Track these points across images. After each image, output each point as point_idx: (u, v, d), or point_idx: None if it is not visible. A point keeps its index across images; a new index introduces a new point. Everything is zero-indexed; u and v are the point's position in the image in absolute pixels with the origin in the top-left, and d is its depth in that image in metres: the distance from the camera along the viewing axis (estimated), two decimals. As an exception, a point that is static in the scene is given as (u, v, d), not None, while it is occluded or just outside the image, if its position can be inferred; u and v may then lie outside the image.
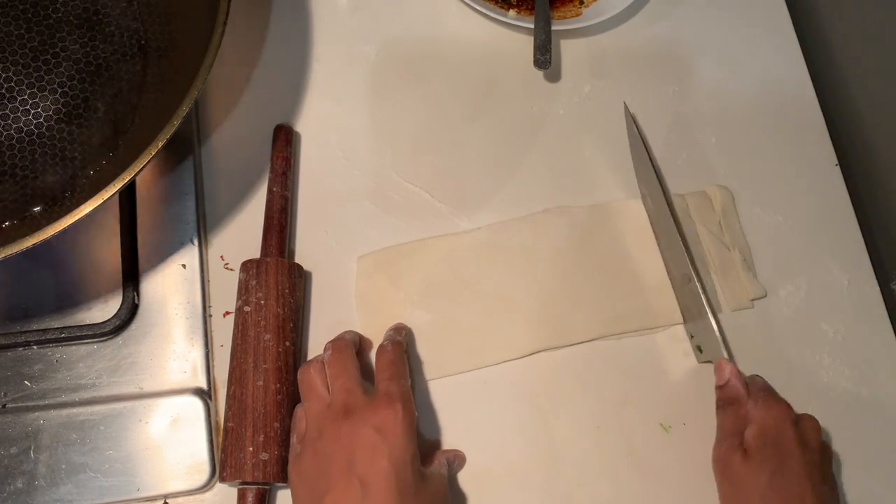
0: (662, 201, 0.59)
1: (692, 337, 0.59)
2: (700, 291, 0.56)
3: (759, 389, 0.54)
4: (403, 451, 0.45)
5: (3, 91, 0.54)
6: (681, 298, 0.59)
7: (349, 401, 0.47)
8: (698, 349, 0.58)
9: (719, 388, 0.55)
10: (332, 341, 0.52)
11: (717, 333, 0.56)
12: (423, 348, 0.57)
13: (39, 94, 0.55)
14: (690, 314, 0.59)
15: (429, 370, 0.56)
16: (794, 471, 0.49)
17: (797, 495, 0.49)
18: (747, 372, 0.60)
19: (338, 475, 0.45)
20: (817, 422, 0.53)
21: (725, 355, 0.55)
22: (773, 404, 0.52)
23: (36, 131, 0.54)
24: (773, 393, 0.54)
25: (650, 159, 0.61)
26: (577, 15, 0.67)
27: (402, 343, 0.53)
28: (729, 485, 0.51)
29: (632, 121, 0.63)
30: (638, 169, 0.63)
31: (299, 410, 0.50)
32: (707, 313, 0.56)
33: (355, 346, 0.53)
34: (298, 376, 0.51)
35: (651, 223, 0.62)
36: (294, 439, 0.49)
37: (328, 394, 0.49)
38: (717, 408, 0.55)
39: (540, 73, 0.66)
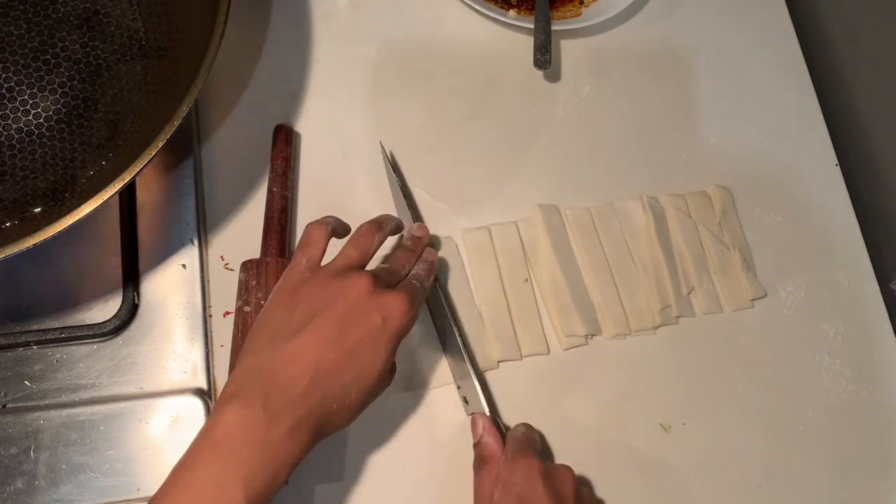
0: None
1: (459, 388, 0.55)
2: (458, 340, 0.54)
3: (514, 442, 0.50)
4: (386, 348, 0.45)
5: (3, 91, 0.54)
6: (447, 349, 0.56)
7: (382, 275, 0.47)
8: (465, 401, 0.55)
9: (475, 446, 0.51)
10: (411, 238, 0.52)
11: (476, 384, 0.53)
12: (420, 357, 0.57)
13: (39, 94, 0.55)
14: (456, 364, 0.55)
15: (425, 380, 0.56)
16: None
17: None
18: (747, 374, 0.60)
19: (322, 324, 0.44)
20: (571, 471, 0.49)
21: (483, 409, 0.52)
22: (519, 460, 0.48)
23: (36, 131, 0.54)
24: (528, 445, 0.50)
25: (405, 197, 0.58)
26: (577, 15, 0.67)
27: (430, 281, 0.52)
28: None
29: (388, 160, 0.60)
30: (399, 211, 0.59)
31: (319, 232, 0.48)
32: (465, 363, 0.53)
33: (417, 258, 0.52)
34: (360, 226, 0.50)
35: None
36: (302, 260, 0.47)
37: (369, 252, 0.48)
38: (474, 469, 0.51)
39: (540, 73, 0.66)
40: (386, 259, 0.53)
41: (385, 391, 0.48)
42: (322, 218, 0.51)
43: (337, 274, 0.46)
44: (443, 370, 0.56)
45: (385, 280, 0.47)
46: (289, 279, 0.47)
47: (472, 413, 0.53)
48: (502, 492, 0.47)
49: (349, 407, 0.44)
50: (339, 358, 0.43)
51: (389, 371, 0.47)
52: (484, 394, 0.53)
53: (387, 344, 0.45)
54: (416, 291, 0.48)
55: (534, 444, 0.50)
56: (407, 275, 0.50)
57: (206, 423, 0.42)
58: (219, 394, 0.53)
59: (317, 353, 0.43)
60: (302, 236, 0.49)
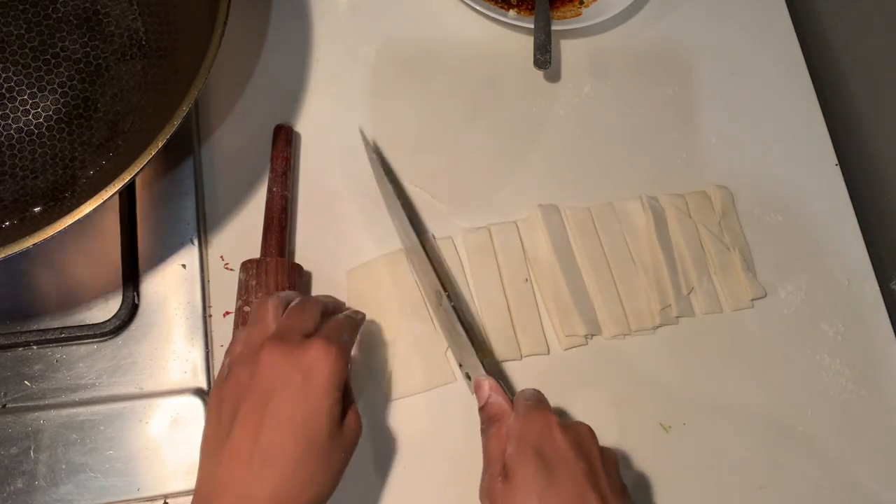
0: (411, 232, 0.55)
1: (461, 366, 0.53)
2: (449, 308, 0.51)
3: (524, 399, 0.47)
4: (321, 403, 0.41)
5: (3, 91, 0.54)
6: (441, 324, 0.54)
7: (288, 334, 0.43)
8: (467, 377, 0.52)
9: (481, 409, 0.48)
10: (310, 297, 0.48)
11: (472, 349, 0.50)
12: (422, 358, 0.56)
13: (39, 94, 0.55)
14: (453, 339, 0.53)
15: (420, 382, 0.56)
16: (568, 477, 0.42)
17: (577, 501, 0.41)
18: (747, 374, 0.60)
19: (248, 411, 0.40)
20: (590, 428, 0.46)
21: (483, 372, 0.49)
22: (533, 413, 0.45)
23: (36, 131, 0.54)
24: (540, 401, 0.47)
25: (387, 175, 0.57)
26: (577, 15, 0.67)
27: (359, 319, 0.49)
28: None
29: (371, 148, 0.59)
30: (387, 202, 0.58)
31: (240, 333, 0.46)
32: (460, 332, 0.51)
33: (328, 308, 0.48)
34: (254, 303, 0.47)
35: (407, 256, 0.57)
36: (225, 360, 0.45)
37: (274, 326, 0.44)
38: (482, 433, 0.47)
39: (540, 73, 0.66)
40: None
41: (385, 392, 0.47)
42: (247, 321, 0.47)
43: (246, 358, 0.43)
44: (442, 370, 0.56)
45: (293, 336, 0.43)
46: (215, 383, 0.45)
47: (476, 377, 0.49)
48: (517, 445, 0.43)
49: (314, 481, 0.41)
50: (277, 437, 0.40)
51: (351, 420, 0.44)
52: (488, 366, 0.50)
53: (319, 398, 0.41)
54: (338, 328, 0.45)
55: (546, 402, 0.47)
56: (317, 321, 0.45)
57: None
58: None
59: (252, 444, 0.40)
60: (231, 341, 0.46)
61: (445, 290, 0.53)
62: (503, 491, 0.42)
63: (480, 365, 0.50)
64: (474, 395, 0.50)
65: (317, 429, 0.41)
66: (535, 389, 0.49)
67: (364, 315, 0.50)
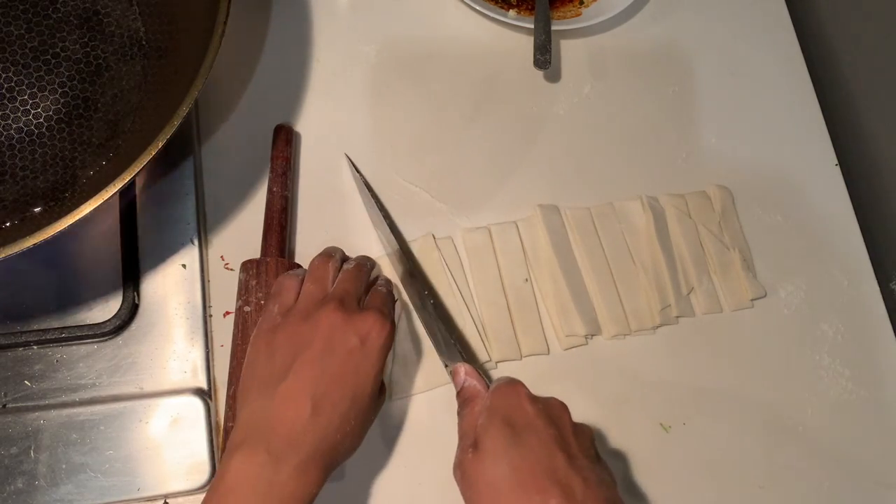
0: (394, 241, 0.56)
1: (446, 366, 0.52)
2: (431, 306, 0.53)
3: (497, 380, 0.48)
4: (373, 367, 0.45)
5: (3, 91, 0.54)
6: (427, 328, 0.55)
7: (347, 299, 0.47)
8: (451, 374, 0.51)
9: (458, 394, 0.49)
10: (357, 257, 0.52)
11: (452, 343, 0.51)
12: (421, 358, 0.57)
13: (39, 94, 0.55)
14: (436, 340, 0.54)
15: (423, 381, 0.56)
16: (536, 441, 0.42)
17: (547, 469, 0.41)
18: (747, 374, 0.60)
19: (307, 361, 0.44)
20: (562, 402, 0.46)
21: (461, 359, 0.50)
22: (503, 387, 0.46)
23: (36, 131, 0.54)
24: (512, 379, 0.47)
25: (373, 197, 0.58)
26: (577, 15, 0.67)
27: (392, 286, 0.52)
28: (471, 491, 0.43)
29: (353, 168, 0.60)
30: (371, 216, 0.59)
31: (291, 280, 0.49)
32: (437, 328, 0.52)
33: (370, 273, 0.52)
34: (313, 262, 0.50)
35: (392, 264, 0.58)
36: (275, 308, 0.48)
37: (330, 288, 0.48)
38: (458, 415, 0.48)
39: (540, 73, 0.66)
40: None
41: (386, 392, 0.48)
42: (293, 270, 0.52)
43: (305, 313, 0.46)
44: (442, 370, 0.56)
45: (351, 302, 0.47)
46: (262, 328, 0.47)
47: (454, 364, 0.50)
48: (487, 417, 0.44)
49: (352, 434, 0.45)
50: (330, 390, 0.44)
51: (383, 388, 0.47)
52: (468, 356, 0.52)
53: (372, 363, 0.45)
54: (384, 302, 0.49)
55: (519, 381, 0.47)
56: (368, 290, 0.50)
57: (215, 477, 0.42)
58: (218, 394, 0.54)
59: (309, 390, 0.43)
60: (274, 286, 0.50)
61: (427, 292, 0.54)
62: (473, 461, 0.43)
63: (459, 355, 0.51)
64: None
65: (363, 389, 0.45)
66: (509, 377, 0.49)
67: (394, 287, 0.53)
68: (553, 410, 0.45)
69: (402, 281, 0.57)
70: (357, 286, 0.49)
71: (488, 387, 0.48)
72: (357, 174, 0.60)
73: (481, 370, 0.51)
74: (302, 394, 0.43)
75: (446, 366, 0.52)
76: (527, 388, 0.46)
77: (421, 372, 0.56)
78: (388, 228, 0.57)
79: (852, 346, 0.62)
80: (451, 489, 0.50)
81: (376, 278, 0.52)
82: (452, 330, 0.56)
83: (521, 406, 0.44)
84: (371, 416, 0.47)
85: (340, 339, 0.45)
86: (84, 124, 0.55)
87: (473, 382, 0.48)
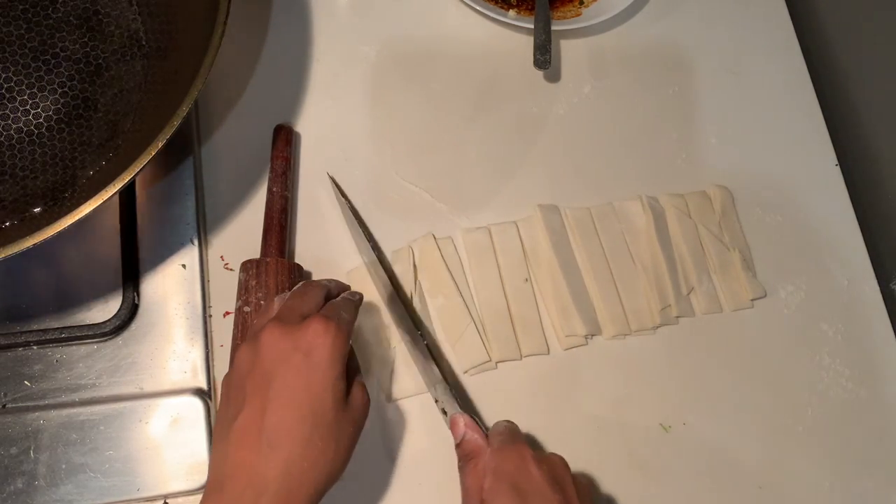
0: (378, 264, 0.56)
1: (437, 401, 0.53)
2: (425, 347, 0.52)
3: (498, 434, 0.47)
4: (325, 378, 0.41)
5: (3, 91, 0.54)
6: (416, 361, 0.55)
7: (286, 315, 0.44)
8: (443, 412, 0.52)
9: (458, 446, 0.48)
10: (310, 281, 0.49)
11: (447, 388, 0.51)
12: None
13: (39, 94, 0.55)
14: (427, 376, 0.54)
15: (420, 383, 0.55)
16: None
17: None
18: (747, 374, 0.60)
19: (252, 392, 0.41)
20: (563, 459, 0.47)
21: (458, 409, 0.50)
22: (507, 448, 0.46)
23: (36, 131, 0.54)
24: (514, 435, 0.48)
25: (360, 224, 0.57)
26: (577, 15, 0.67)
27: (357, 299, 0.49)
28: None
29: (338, 190, 0.59)
30: (355, 239, 0.58)
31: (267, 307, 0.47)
32: (433, 370, 0.52)
33: (329, 292, 0.48)
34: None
35: (375, 286, 0.57)
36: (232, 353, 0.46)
37: (272, 307, 0.46)
38: (459, 468, 0.48)
39: (540, 73, 0.66)
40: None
41: (385, 393, 0.47)
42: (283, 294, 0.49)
43: (251, 339, 0.43)
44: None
45: (291, 317, 0.43)
46: (226, 373, 0.45)
47: (452, 414, 0.50)
48: (493, 480, 0.44)
49: (324, 457, 0.41)
50: (282, 417, 0.40)
51: (358, 394, 0.44)
52: (461, 399, 0.51)
53: (323, 374, 0.41)
54: (335, 309, 0.45)
55: (520, 435, 0.48)
56: (319, 304, 0.46)
57: None
58: (218, 394, 0.53)
59: (258, 425, 0.40)
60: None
61: (419, 330, 0.54)
62: None
63: (457, 404, 0.50)
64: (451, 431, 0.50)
65: (321, 406, 0.41)
66: (508, 421, 0.49)
67: (362, 296, 0.50)
68: (557, 471, 0.45)
69: (388, 306, 0.56)
70: (304, 302, 0.45)
71: (486, 435, 0.48)
72: (342, 198, 0.58)
73: (476, 416, 0.51)
74: (251, 432, 0.40)
75: (443, 411, 0.52)
76: (529, 448, 0.46)
77: (423, 372, 0.56)
78: (373, 254, 0.56)
79: (852, 346, 0.62)
80: (451, 490, 0.50)
81: (342, 293, 0.49)
82: (447, 374, 0.54)
83: (527, 470, 0.44)
84: (347, 428, 0.43)
85: (281, 357, 0.41)
86: (84, 124, 0.55)
87: (475, 437, 0.48)
